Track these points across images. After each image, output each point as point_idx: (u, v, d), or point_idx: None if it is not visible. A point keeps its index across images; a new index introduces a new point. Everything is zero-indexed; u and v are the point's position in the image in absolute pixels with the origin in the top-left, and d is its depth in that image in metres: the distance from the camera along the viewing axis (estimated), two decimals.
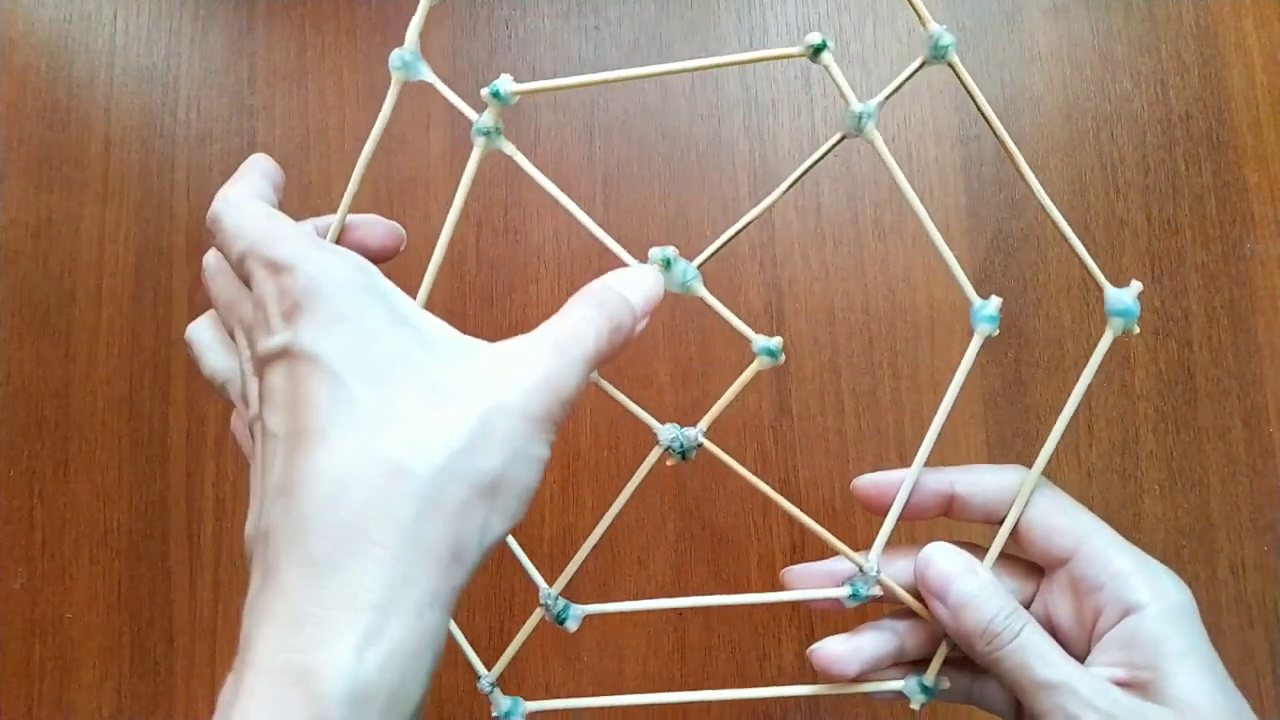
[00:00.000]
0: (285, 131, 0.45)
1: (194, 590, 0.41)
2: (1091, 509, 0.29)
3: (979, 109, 0.30)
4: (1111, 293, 0.29)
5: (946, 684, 0.31)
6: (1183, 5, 0.49)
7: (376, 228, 0.32)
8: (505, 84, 0.31)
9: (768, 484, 0.44)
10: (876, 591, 0.30)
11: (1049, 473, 0.29)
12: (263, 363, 0.23)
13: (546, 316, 0.46)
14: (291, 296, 0.23)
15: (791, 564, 0.40)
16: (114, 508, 0.42)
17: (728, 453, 0.42)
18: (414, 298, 0.44)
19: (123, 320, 0.43)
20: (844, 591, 0.31)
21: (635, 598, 0.42)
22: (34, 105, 0.44)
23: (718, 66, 0.45)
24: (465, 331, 0.44)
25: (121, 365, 0.43)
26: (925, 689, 0.31)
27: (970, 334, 0.30)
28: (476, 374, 0.23)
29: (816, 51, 0.30)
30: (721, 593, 0.42)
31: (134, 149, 0.44)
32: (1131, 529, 0.42)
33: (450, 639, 0.26)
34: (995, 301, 0.30)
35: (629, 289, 0.29)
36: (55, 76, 0.45)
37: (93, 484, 0.42)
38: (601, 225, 0.30)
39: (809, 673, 0.42)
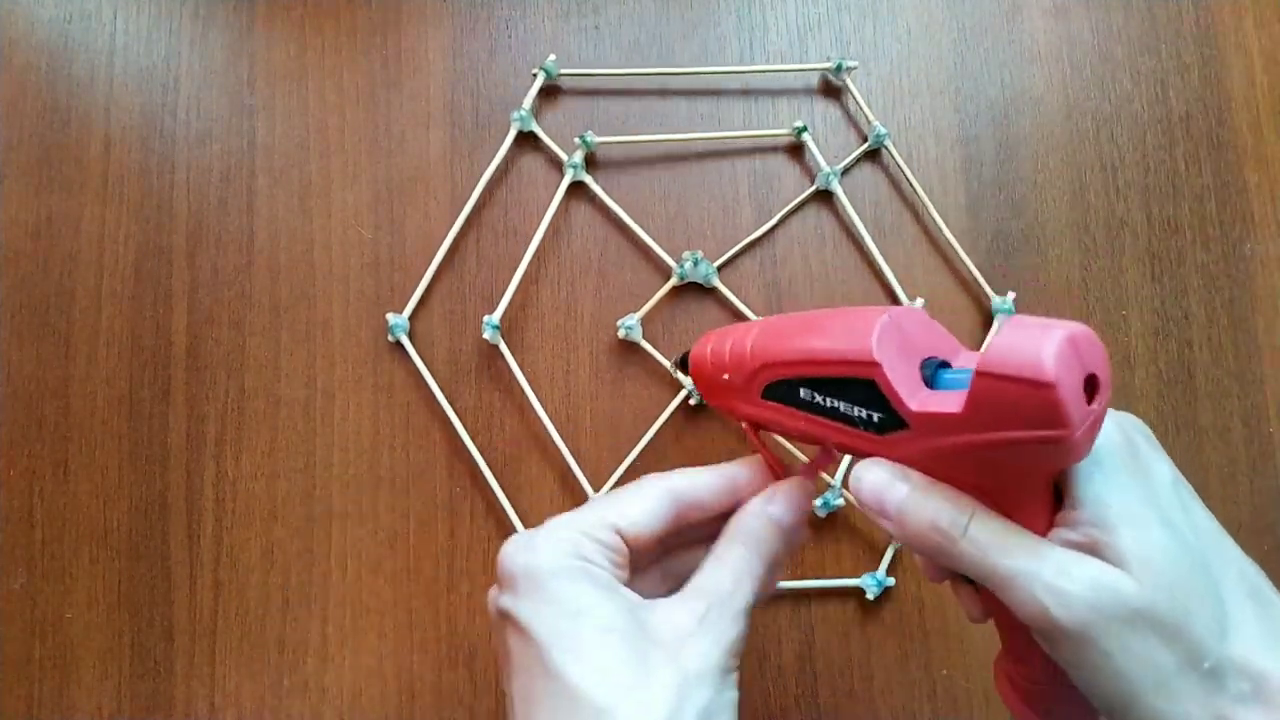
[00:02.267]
0: (285, 131, 0.45)
1: (194, 590, 0.41)
2: None
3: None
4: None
5: (892, 581, 0.40)
6: (1183, 5, 0.49)
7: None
8: (591, 137, 0.44)
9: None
10: (840, 502, 0.42)
11: None
12: (498, 612, 0.28)
13: (546, 317, 0.46)
14: (511, 571, 0.27)
15: (790, 565, 0.40)
16: (114, 508, 0.42)
17: (726, 452, 0.42)
18: (412, 298, 0.44)
19: (123, 320, 0.43)
20: (817, 502, 0.42)
21: None
22: (34, 105, 0.44)
23: (722, 138, 0.45)
24: (464, 332, 0.45)
25: (121, 365, 0.43)
26: (878, 582, 0.41)
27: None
28: (665, 646, 0.27)
29: (799, 133, 0.45)
30: None
31: (134, 149, 0.44)
32: None
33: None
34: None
35: (779, 511, 0.30)
36: (55, 76, 0.45)
37: (93, 484, 0.42)
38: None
39: (809, 673, 0.42)
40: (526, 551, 0.28)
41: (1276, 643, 0.25)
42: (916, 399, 0.26)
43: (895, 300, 0.45)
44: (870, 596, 0.42)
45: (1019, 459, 0.24)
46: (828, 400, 0.28)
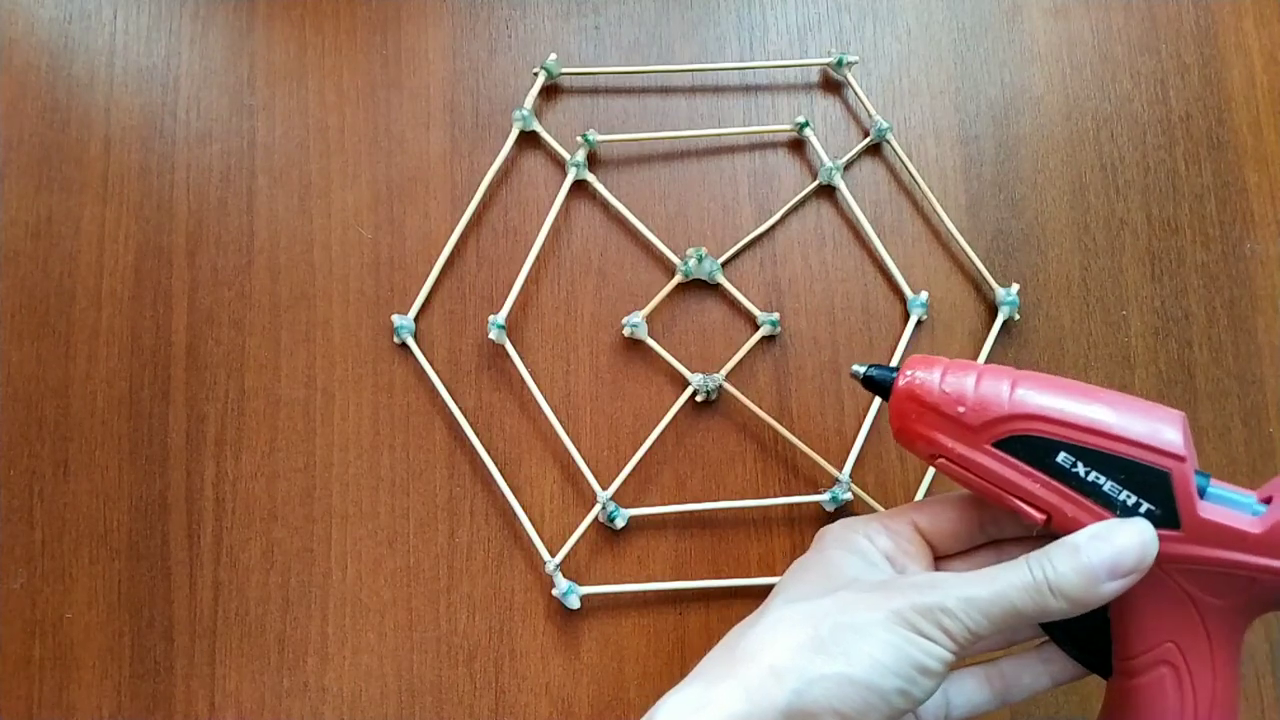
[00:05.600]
0: (285, 131, 0.45)
1: (194, 590, 0.41)
2: None
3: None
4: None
5: (850, 496, 0.42)
6: (1183, 5, 0.49)
7: None
8: (593, 135, 0.44)
9: (768, 482, 0.44)
10: (848, 497, 0.42)
11: None
12: None
13: (547, 316, 0.47)
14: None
15: (790, 563, 0.40)
16: (114, 508, 0.42)
17: (728, 453, 0.42)
18: (416, 298, 0.44)
19: (123, 320, 0.43)
20: (824, 496, 0.42)
21: (636, 595, 0.42)
22: (34, 105, 0.44)
23: (724, 134, 0.45)
24: (465, 332, 0.45)
25: (121, 365, 0.43)
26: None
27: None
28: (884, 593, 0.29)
29: (801, 128, 0.45)
30: (721, 592, 0.42)
31: (134, 149, 0.44)
32: None
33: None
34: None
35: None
36: (55, 76, 0.45)
37: (93, 484, 0.42)
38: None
39: None
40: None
41: None
42: (1201, 505, 0.27)
43: (901, 297, 0.45)
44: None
45: (1265, 596, 0.26)
46: (1091, 474, 0.28)
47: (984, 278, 0.45)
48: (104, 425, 0.42)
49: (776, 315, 0.44)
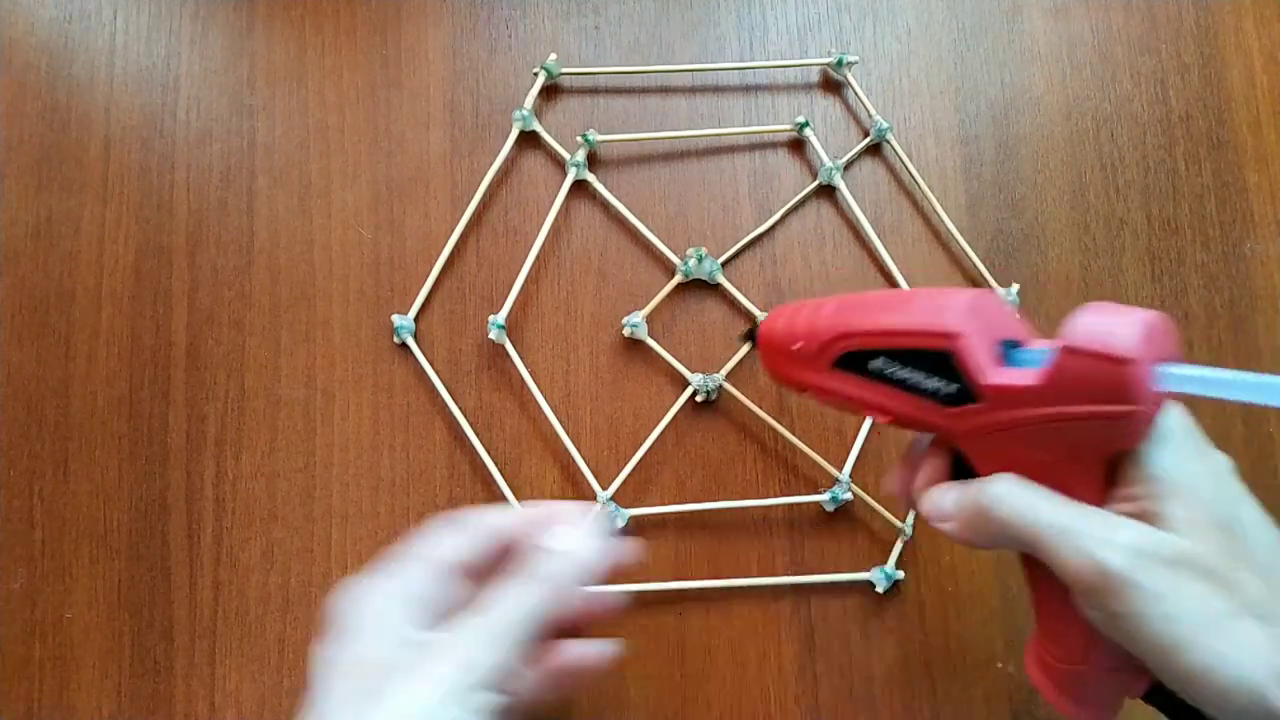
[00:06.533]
0: (285, 131, 0.45)
1: (194, 590, 0.41)
2: None
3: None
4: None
5: (901, 575, 0.41)
6: (1183, 5, 0.49)
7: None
8: (593, 135, 0.44)
9: (768, 482, 0.44)
10: (848, 497, 0.43)
11: None
12: None
13: (546, 317, 0.46)
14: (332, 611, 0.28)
15: (790, 563, 0.40)
16: (114, 508, 0.42)
17: (728, 453, 0.42)
18: (416, 298, 0.44)
19: (123, 320, 0.43)
20: (824, 496, 0.42)
21: (636, 595, 0.42)
22: (34, 105, 0.44)
23: (725, 134, 0.45)
24: (465, 332, 0.45)
25: (121, 365, 0.43)
26: (888, 576, 0.42)
27: None
28: (411, 674, 0.25)
29: (801, 128, 0.45)
30: (721, 592, 0.42)
31: (134, 149, 0.44)
32: None
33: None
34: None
35: (572, 546, 0.30)
36: (55, 76, 0.45)
37: (93, 484, 0.42)
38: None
39: (808, 673, 0.42)
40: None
41: None
42: (992, 372, 0.27)
43: None
44: (880, 590, 0.42)
45: (1084, 435, 0.26)
46: (903, 372, 0.29)
47: (984, 277, 0.45)
48: (104, 425, 0.42)
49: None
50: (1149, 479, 0.26)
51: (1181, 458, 0.26)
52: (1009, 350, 0.28)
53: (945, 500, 0.29)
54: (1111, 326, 0.24)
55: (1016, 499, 0.27)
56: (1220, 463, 0.27)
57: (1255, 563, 0.25)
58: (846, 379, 0.31)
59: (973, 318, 0.28)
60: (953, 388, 0.28)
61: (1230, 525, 0.25)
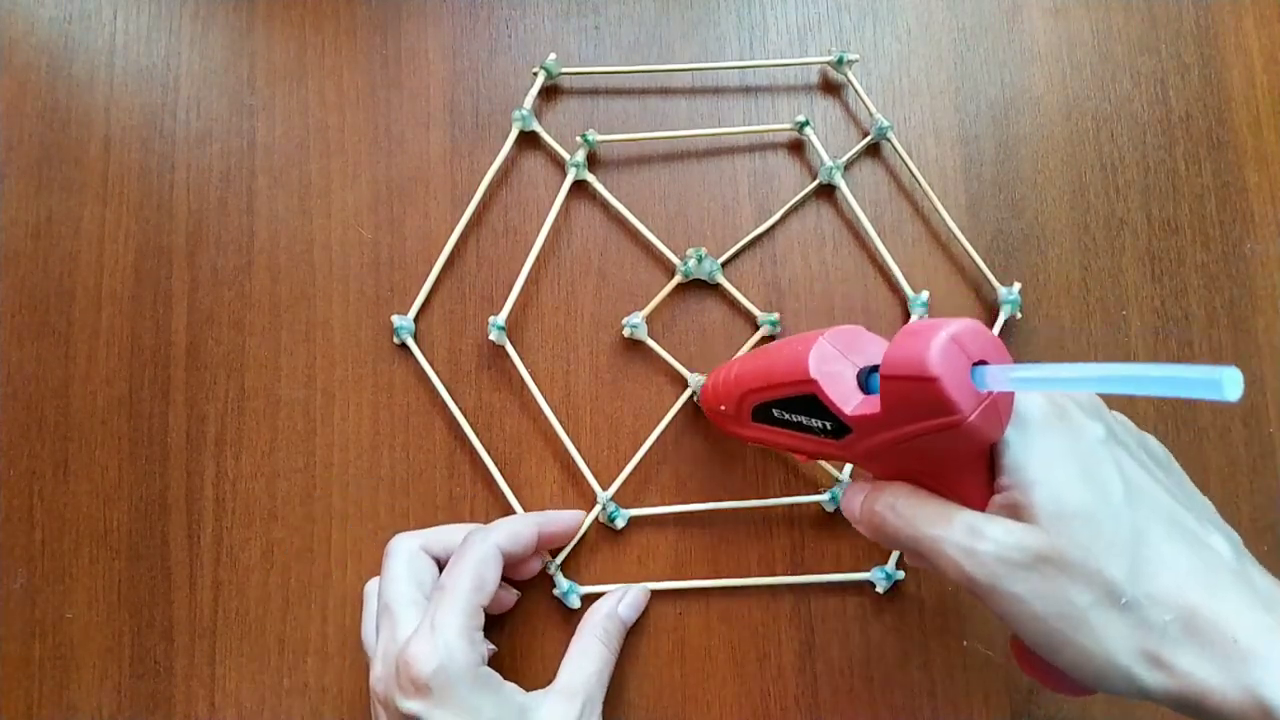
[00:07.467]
0: (285, 131, 0.45)
1: (194, 590, 0.41)
2: None
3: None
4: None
5: (902, 574, 0.42)
6: (1183, 5, 0.49)
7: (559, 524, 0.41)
8: (593, 135, 0.44)
9: (767, 482, 0.44)
10: None
11: None
12: (401, 714, 0.32)
13: (546, 317, 0.47)
14: (424, 675, 0.31)
15: (790, 563, 0.40)
16: (114, 508, 0.42)
17: (728, 453, 0.42)
18: (416, 298, 0.44)
19: (123, 320, 0.43)
20: (824, 496, 0.43)
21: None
22: (34, 105, 0.44)
23: (725, 133, 0.45)
24: (464, 333, 0.45)
25: (121, 365, 0.43)
26: (888, 576, 0.42)
27: None
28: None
29: (801, 127, 0.45)
30: (721, 592, 0.42)
31: (134, 149, 0.44)
32: None
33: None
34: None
35: (627, 614, 0.41)
36: (55, 76, 0.45)
37: (93, 484, 0.42)
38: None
39: (808, 673, 0.42)
40: (441, 655, 0.32)
41: (1208, 579, 0.25)
42: (851, 405, 0.29)
43: (901, 297, 0.45)
44: (880, 590, 0.42)
45: (937, 445, 0.27)
46: (794, 416, 0.32)
47: (985, 277, 0.45)
48: (104, 425, 0.42)
49: (776, 315, 0.44)
50: (1012, 469, 0.27)
51: (1043, 442, 0.27)
52: (869, 376, 0.30)
53: (854, 504, 0.31)
54: (915, 347, 0.25)
55: (902, 509, 0.29)
56: (1089, 435, 0.28)
57: (1118, 539, 0.26)
58: (764, 429, 0.34)
59: (828, 356, 0.30)
60: (829, 423, 0.30)
61: (1091, 508, 0.26)
